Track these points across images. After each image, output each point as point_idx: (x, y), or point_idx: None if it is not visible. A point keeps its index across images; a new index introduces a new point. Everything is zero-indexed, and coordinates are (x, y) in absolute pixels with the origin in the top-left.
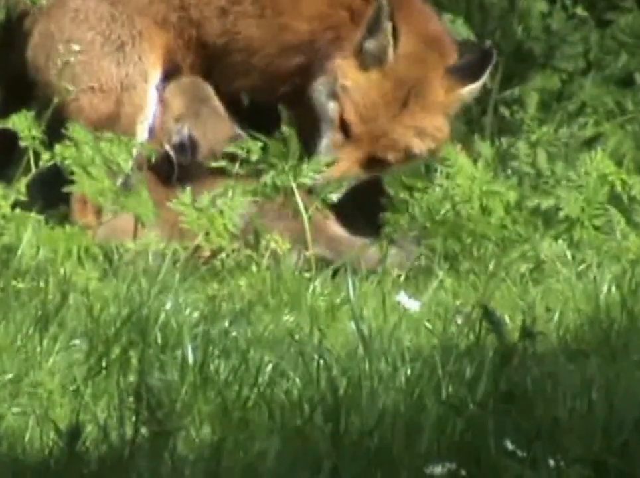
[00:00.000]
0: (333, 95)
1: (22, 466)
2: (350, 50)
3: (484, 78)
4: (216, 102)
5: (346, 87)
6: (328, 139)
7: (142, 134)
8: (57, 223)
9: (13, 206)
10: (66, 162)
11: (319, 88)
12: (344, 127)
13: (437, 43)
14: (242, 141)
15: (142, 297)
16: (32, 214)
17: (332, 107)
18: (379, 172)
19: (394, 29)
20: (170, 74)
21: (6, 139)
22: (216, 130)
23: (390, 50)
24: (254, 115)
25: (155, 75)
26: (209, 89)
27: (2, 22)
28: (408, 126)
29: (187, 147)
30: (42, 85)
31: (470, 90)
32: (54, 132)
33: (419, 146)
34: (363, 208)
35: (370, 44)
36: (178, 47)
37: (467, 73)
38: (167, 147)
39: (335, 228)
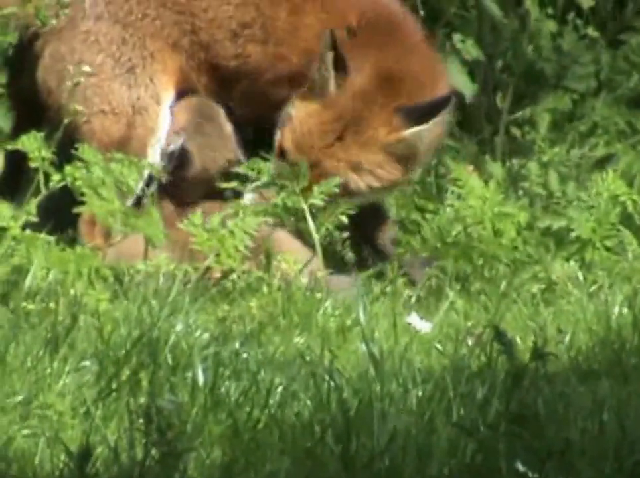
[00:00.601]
0: (280, 123)
1: None
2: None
3: (433, 122)
4: (222, 122)
5: (290, 115)
6: (273, 164)
7: (153, 156)
8: (67, 244)
9: (23, 227)
10: (76, 183)
11: (279, 116)
12: (282, 154)
13: (395, 82)
14: (254, 161)
15: (152, 319)
16: (43, 236)
17: (277, 134)
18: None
19: (342, 62)
20: (184, 94)
21: (17, 161)
22: (216, 150)
23: (331, 82)
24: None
25: (167, 97)
26: (217, 110)
27: (14, 44)
28: (340, 159)
29: (175, 157)
30: (53, 108)
31: (414, 133)
32: (65, 154)
33: (355, 181)
34: (364, 233)
35: (315, 74)
36: (190, 69)
37: (416, 115)
38: (162, 159)
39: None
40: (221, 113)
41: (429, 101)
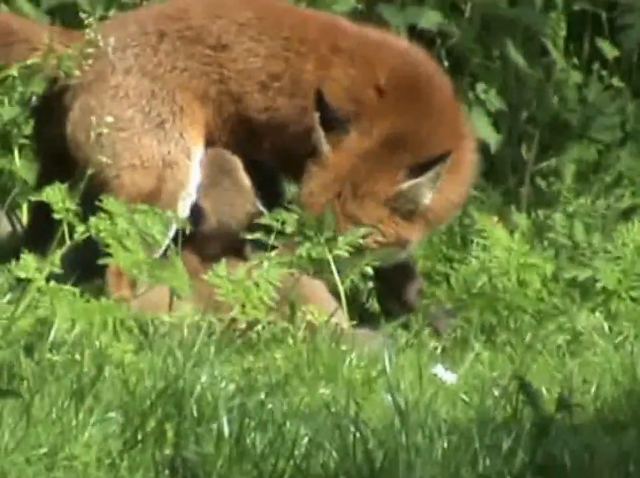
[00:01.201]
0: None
1: None
2: None
3: (428, 176)
4: (240, 175)
5: (301, 180)
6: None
7: (183, 210)
8: (92, 296)
9: (48, 279)
10: (101, 234)
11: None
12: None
13: (407, 145)
14: (277, 213)
15: (178, 370)
16: (67, 287)
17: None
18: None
19: (336, 122)
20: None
21: (42, 212)
22: (233, 204)
23: (322, 142)
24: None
25: (197, 151)
26: (235, 162)
27: (40, 94)
28: (338, 215)
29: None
30: (82, 161)
31: (410, 186)
32: (95, 207)
33: None
34: (389, 285)
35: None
36: (217, 123)
37: (417, 171)
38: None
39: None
40: (238, 165)
41: (430, 157)
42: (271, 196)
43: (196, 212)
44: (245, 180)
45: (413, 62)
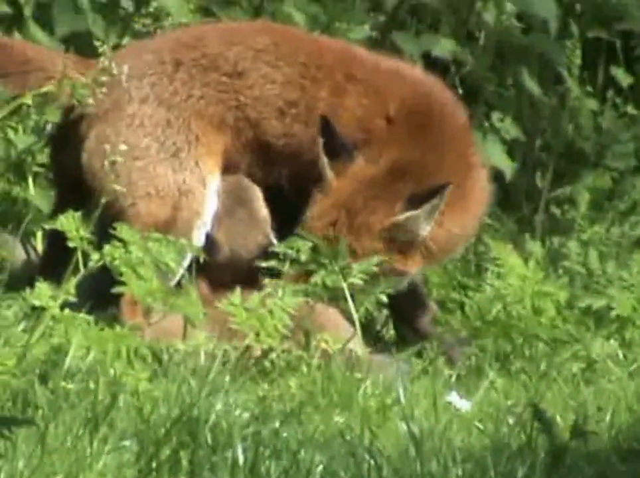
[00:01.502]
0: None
1: None
2: None
3: (424, 208)
4: (257, 206)
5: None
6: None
7: (199, 239)
8: (106, 324)
9: (62, 307)
10: (115, 263)
11: None
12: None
13: (411, 175)
14: (293, 241)
15: (192, 398)
16: (82, 315)
17: None
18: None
19: (341, 149)
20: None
21: (56, 240)
22: (246, 235)
23: (325, 168)
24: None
25: (213, 180)
26: (254, 192)
27: (58, 124)
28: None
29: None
30: (97, 190)
31: (406, 218)
32: (109, 235)
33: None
34: (401, 313)
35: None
36: (235, 149)
37: (415, 202)
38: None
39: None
40: (257, 195)
41: (429, 188)
42: (289, 222)
43: (210, 242)
44: (262, 212)
45: (425, 92)
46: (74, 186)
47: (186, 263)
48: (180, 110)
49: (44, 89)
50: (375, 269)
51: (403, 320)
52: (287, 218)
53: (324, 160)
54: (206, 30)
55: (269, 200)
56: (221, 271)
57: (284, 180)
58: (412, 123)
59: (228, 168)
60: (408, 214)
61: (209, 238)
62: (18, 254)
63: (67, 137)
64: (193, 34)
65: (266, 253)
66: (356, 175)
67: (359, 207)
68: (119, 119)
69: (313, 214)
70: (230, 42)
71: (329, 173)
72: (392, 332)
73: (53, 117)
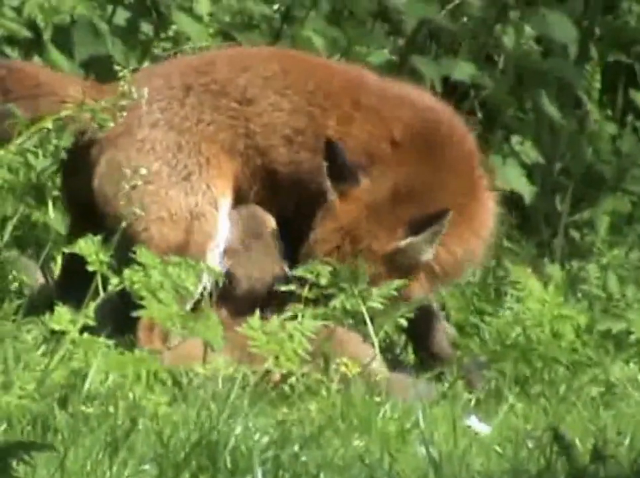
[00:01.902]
0: None
1: None
2: None
3: (424, 234)
4: (271, 238)
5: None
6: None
7: (212, 261)
8: (126, 348)
9: (82, 331)
10: (135, 286)
11: None
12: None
13: (415, 198)
14: (313, 264)
15: (211, 422)
16: (101, 339)
17: None
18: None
19: (346, 172)
20: (238, 200)
21: (75, 264)
22: (263, 269)
23: (329, 191)
24: None
25: (225, 202)
26: (267, 222)
27: (68, 149)
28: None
29: (224, 280)
30: (110, 215)
31: (408, 244)
32: (124, 259)
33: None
34: (416, 338)
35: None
36: (244, 175)
37: (417, 227)
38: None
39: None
40: (271, 226)
41: (429, 215)
42: (296, 249)
43: (229, 278)
44: (275, 243)
45: (432, 117)
46: (86, 211)
47: (202, 286)
48: (191, 134)
49: (64, 114)
50: (395, 293)
51: (420, 344)
52: (294, 245)
53: (328, 183)
54: (216, 56)
55: (278, 227)
56: (239, 304)
57: (291, 208)
58: (417, 147)
59: (239, 194)
60: (409, 240)
61: (230, 274)
62: (37, 278)
63: (78, 163)
64: (203, 59)
65: (282, 283)
66: (360, 199)
67: (362, 233)
68: (129, 144)
69: (317, 237)
70: (240, 68)
71: (332, 196)
72: (411, 356)
73: (67, 142)
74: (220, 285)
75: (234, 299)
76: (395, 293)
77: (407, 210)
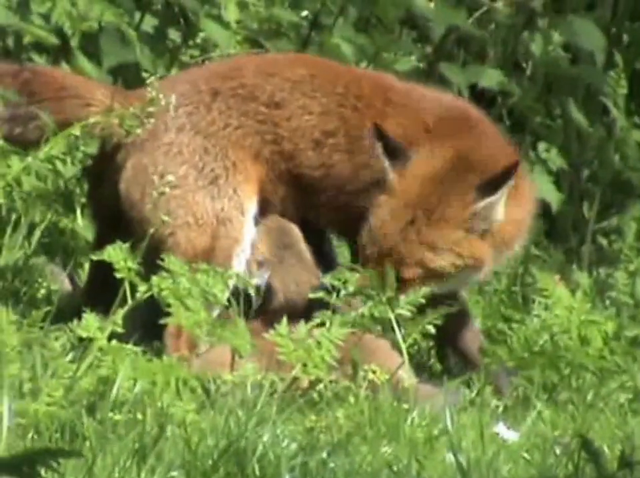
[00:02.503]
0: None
1: None
2: None
3: (500, 192)
4: (302, 248)
5: (369, 214)
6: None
7: (238, 266)
8: (154, 355)
9: (110, 338)
10: (163, 294)
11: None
12: (362, 253)
13: (470, 163)
14: (340, 272)
15: (239, 429)
16: (129, 346)
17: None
18: (405, 292)
19: (398, 150)
20: (264, 207)
21: (102, 271)
22: (298, 279)
23: (389, 170)
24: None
25: (251, 207)
26: (296, 234)
27: (94, 155)
28: (414, 241)
29: (262, 294)
30: (136, 219)
31: (485, 205)
32: (150, 265)
33: (434, 261)
34: (449, 340)
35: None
36: (270, 181)
37: (487, 188)
38: (250, 290)
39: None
40: (298, 235)
41: (497, 173)
42: (321, 256)
43: (268, 292)
44: (307, 252)
45: (458, 106)
46: (112, 217)
47: (229, 291)
48: (218, 139)
49: (91, 120)
50: (423, 301)
51: (451, 345)
52: (319, 250)
53: (386, 162)
54: (244, 62)
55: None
56: (277, 316)
57: (320, 212)
58: (452, 126)
59: (266, 199)
60: (486, 201)
61: (269, 288)
62: (65, 285)
63: (104, 168)
64: (230, 65)
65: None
66: (418, 174)
67: (434, 203)
68: (156, 148)
69: (383, 218)
70: (267, 73)
71: (392, 175)
72: (437, 365)
73: (93, 149)
74: (256, 296)
75: (272, 311)
76: (422, 301)
77: (468, 175)
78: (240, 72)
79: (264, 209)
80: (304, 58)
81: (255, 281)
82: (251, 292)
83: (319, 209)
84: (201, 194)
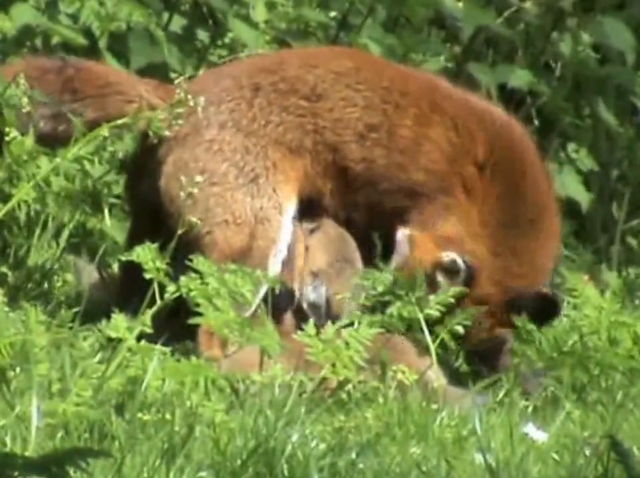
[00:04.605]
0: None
1: None
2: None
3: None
4: (358, 259)
5: None
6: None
7: (274, 267)
8: (183, 355)
9: (139, 339)
10: (191, 294)
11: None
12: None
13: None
14: (370, 272)
15: (268, 429)
16: (158, 346)
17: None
18: None
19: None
20: (312, 204)
21: (132, 271)
22: (352, 300)
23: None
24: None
25: (290, 207)
26: (353, 246)
27: (134, 150)
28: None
29: (320, 308)
30: (174, 216)
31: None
32: (183, 264)
33: None
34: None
35: None
36: (316, 173)
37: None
38: (304, 305)
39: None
40: (353, 245)
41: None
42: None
43: (327, 306)
44: (360, 263)
45: (514, 140)
46: (150, 214)
47: (261, 293)
48: (258, 137)
49: (120, 122)
50: (452, 301)
51: (481, 358)
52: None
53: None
54: (286, 55)
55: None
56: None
57: (359, 208)
58: (500, 173)
59: (309, 196)
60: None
61: (328, 301)
62: (93, 279)
63: (144, 163)
64: (273, 59)
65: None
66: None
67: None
68: (197, 144)
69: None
70: (309, 65)
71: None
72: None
73: (128, 145)
74: (311, 312)
75: (321, 324)
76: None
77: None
78: (282, 65)
79: (311, 211)
80: (350, 51)
81: (312, 296)
82: (305, 306)
83: (359, 205)
84: (240, 193)
